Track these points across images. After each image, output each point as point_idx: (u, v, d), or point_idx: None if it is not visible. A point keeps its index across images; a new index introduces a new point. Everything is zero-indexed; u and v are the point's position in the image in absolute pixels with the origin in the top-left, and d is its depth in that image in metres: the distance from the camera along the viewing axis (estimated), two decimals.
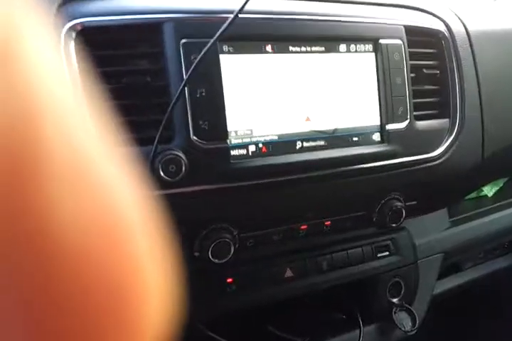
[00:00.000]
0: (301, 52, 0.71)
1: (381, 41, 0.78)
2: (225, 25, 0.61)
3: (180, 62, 0.62)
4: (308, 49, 0.72)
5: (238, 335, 0.87)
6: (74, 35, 0.59)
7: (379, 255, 0.95)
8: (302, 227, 0.80)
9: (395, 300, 0.98)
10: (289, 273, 0.85)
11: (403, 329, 0.96)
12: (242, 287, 0.80)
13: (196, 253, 0.70)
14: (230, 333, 0.84)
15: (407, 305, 0.98)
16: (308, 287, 0.87)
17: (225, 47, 0.66)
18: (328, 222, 0.83)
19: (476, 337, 1.33)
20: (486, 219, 1.15)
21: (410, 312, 0.98)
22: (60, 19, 0.59)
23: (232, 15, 0.61)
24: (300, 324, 0.95)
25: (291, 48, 0.71)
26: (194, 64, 0.60)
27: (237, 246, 0.72)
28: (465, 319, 1.32)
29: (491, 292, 1.36)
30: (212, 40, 0.61)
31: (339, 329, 0.95)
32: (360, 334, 0.94)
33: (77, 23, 0.59)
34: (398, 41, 0.80)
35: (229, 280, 0.79)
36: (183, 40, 0.62)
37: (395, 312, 0.97)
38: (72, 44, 0.59)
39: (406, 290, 0.99)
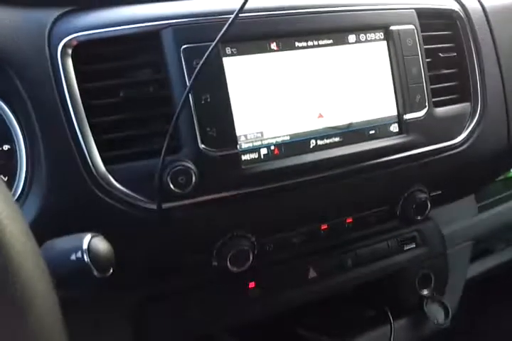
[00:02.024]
0: (308, 47, 0.68)
1: (392, 28, 0.74)
2: (226, 26, 0.58)
3: (182, 69, 0.60)
4: (316, 43, 0.69)
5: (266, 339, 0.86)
6: (70, 51, 0.57)
7: (405, 248, 0.92)
8: (323, 227, 0.78)
9: (425, 292, 0.95)
10: (312, 274, 0.82)
11: (436, 321, 0.94)
12: (265, 291, 0.78)
13: (214, 263, 0.69)
14: (257, 338, 0.83)
15: (438, 297, 0.95)
16: (333, 286, 0.85)
17: (228, 50, 0.63)
18: (350, 220, 0.80)
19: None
20: None
21: (442, 304, 0.95)
22: (55, 36, 0.57)
23: (232, 16, 0.58)
24: (329, 323, 0.93)
25: (297, 44, 0.67)
26: (196, 70, 0.58)
27: (256, 252, 0.70)
28: (501, 304, 1.29)
29: None
30: (213, 44, 0.58)
31: (370, 326, 0.92)
32: (392, 329, 0.91)
33: (72, 39, 0.57)
34: (410, 26, 0.75)
35: (251, 285, 0.77)
36: (184, 46, 0.60)
37: (426, 305, 0.94)
38: (69, 60, 0.57)
39: (436, 281, 0.96)
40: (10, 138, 0.57)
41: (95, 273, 0.39)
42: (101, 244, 0.40)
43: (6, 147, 0.58)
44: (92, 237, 0.40)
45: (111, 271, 0.42)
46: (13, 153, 0.57)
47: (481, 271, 1.13)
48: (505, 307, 1.26)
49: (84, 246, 0.39)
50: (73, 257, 0.39)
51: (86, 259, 0.39)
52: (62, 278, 0.38)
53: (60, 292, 0.35)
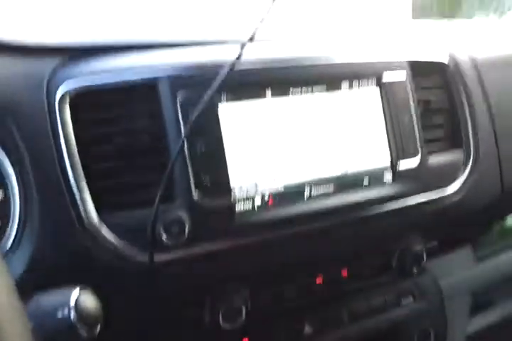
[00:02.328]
0: (302, 92, 0.68)
1: (384, 79, 0.74)
2: (221, 79, 0.58)
3: (178, 119, 0.60)
4: (310, 89, 0.69)
5: None
6: (68, 100, 0.57)
7: (403, 302, 0.89)
8: (318, 281, 0.76)
9: None
10: (308, 329, 0.79)
11: None
12: None
13: (206, 319, 0.66)
14: None
15: None
16: None
17: (223, 96, 0.63)
18: (345, 273, 0.78)
19: None
20: None
21: None
22: (54, 85, 0.57)
23: (226, 70, 0.58)
24: None
25: (291, 90, 0.67)
26: (192, 120, 0.57)
27: (249, 307, 0.67)
28: None
29: None
30: (208, 95, 0.57)
31: None
32: None
33: (71, 88, 0.57)
34: (403, 75, 0.76)
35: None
36: (180, 96, 0.60)
37: None
38: (67, 109, 0.57)
39: (435, 337, 0.93)
40: (5, 185, 0.57)
41: (82, 332, 0.37)
42: (88, 302, 0.38)
43: (0, 194, 0.57)
44: (79, 294, 0.38)
45: (98, 329, 0.39)
46: (7, 200, 0.56)
47: (481, 325, 1.09)
48: None
49: (72, 304, 0.37)
50: (59, 315, 0.36)
51: (72, 317, 0.36)
52: (49, 336, 0.36)
53: None
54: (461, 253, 1.00)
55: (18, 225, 0.55)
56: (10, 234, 0.55)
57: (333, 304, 0.82)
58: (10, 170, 0.56)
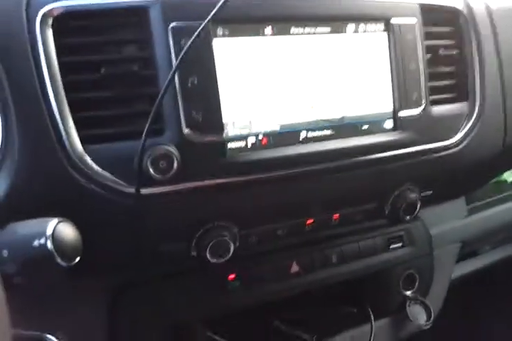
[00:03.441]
0: (304, 33, 0.65)
1: (393, 20, 0.71)
2: (218, 5, 0.55)
3: (169, 48, 0.57)
4: (312, 30, 0.66)
5: (243, 332, 0.84)
6: (51, 21, 0.54)
7: (392, 246, 0.90)
8: (308, 222, 0.76)
9: (408, 292, 0.94)
10: (295, 268, 0.81)
11: (417, 323, 0.92)
12: (245, 283, 0.76)
13: (193, 253, 0.66)
14: (235, 330, 0.81)
15: (421, 298, 0.94)
16: (316, 282, 0.83)
17: (219, 30, 0.60)
18: (337, 216, 0.78)
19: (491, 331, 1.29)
20: (505, 206, 1.09)
21: (425, 305, 0.94)
22: (35, 5, 0.54)
23: None
24: (308, 319, 0.91)
25: (293, 30, 0.64)
26: (184, 50, 0.55)
27: (237, 243, 0.68)
28: (482, 307, 1.27)
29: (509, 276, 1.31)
30: (204, 23, 0.55)
31: (350, 324, 0.91)
32: (372, 328, 0.90)
33: (54, 8, 0.54)
34: (412, 20, 0.73)
35: (231, 276, 0.75)
36: (172, 24, 0.57)
37: (408, 306, 0.93)
38: (49, 31, 0.54)
39: (420, 282, 0.95)
40: None
41: (59, 261, 0.37)
42: (67, 230, 0.38)
43: None
44: (58, 223, 0.38)
45: (77, 259, 0.39)
46: None
47: (464, 272, 1.12)
48: (486, 310, 1.25)
49: (49, 232, 0.36)
50: (36, 243, 0.36)
51: (49, 246, 0.36)
52: (23, 265, 0.36)
53: (21, 279, 0.33)
54: (454, 205, 1.01)
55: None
56: None
57: (323, 245, 0.83)
58: None
